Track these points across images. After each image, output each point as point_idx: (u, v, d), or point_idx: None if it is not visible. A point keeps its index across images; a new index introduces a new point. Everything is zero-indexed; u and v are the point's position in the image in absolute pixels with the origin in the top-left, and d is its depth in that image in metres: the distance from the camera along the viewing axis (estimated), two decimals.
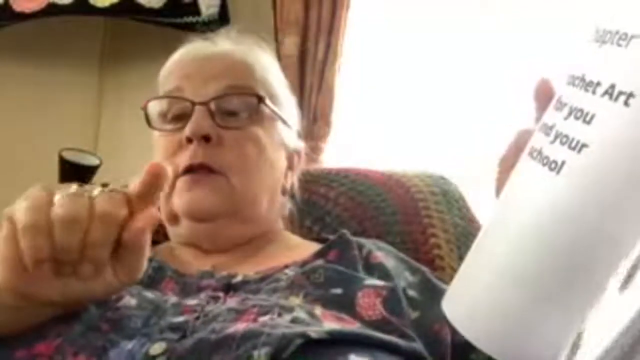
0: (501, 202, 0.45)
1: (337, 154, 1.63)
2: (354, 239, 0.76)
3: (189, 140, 0.75)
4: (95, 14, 1.79)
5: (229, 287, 0.67)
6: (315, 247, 0.77)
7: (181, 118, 0.78)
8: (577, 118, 0.39)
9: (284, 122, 0.83)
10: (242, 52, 0.83)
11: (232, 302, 0.61)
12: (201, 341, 0.53)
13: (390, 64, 1.69)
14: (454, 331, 0.43)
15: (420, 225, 0.90)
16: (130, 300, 0.60)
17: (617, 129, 0.37)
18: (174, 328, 0.56)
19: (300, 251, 0.75)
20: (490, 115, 1.55)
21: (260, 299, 0.61)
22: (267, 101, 0.80)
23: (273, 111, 0.81)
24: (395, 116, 1.69)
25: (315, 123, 1.60)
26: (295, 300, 0.62)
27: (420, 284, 0.72)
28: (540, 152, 0.41)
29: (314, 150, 1.54)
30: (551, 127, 0.41)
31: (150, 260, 0.73)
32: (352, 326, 0.58)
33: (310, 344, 0.52)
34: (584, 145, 0.38)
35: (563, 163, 0.38)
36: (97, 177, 1.50)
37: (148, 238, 0.56)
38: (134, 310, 0.59)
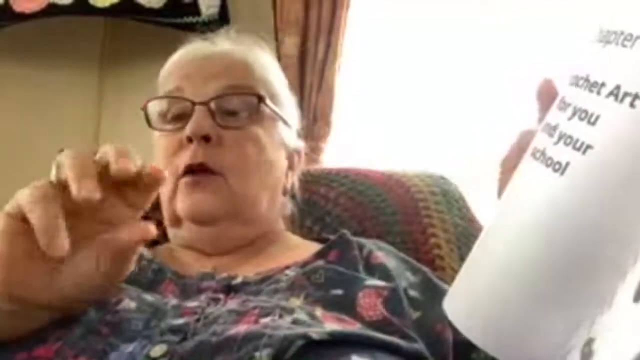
0: (503, 203, 0.45)
1: (337, 154, 1.63)
2: (355, 239, 0.76)
3: (189, 140, 0.75)
4: (95, 14, 1.78)
5: (229, 289, 0.67)
6: (315, 247, 0.77)
7: (181, 118, 0.78)
8: (581, 119, 0.38)
9: (284, 121, 0.83)
10: (241, 51, 0.83)
11: (233, 303, 0.61)
12: (202, 343, 0.53)
13: (390, 64, 1.69)
14: (455, 331, 0.43)
15: (421, 225, 0.90)
16: (129, 304, 0.60)
17: (623, 131, 0.36)
18: (174, 330, 0.56)
19: (301, 251, 0.75)
20: (491, 115, 1.55)
21: (261, 301, 0.61)
22: (267, 101, 0.80)
23: (273, 111, 0.81)
24: (395, 116, 1.69)
25: (315, 123, 1.60)
26: (296, 302, 0.62)
27: (421, 284, 0.72)
28: (543, 153, 0.40)
29: (314, 150, 1.54)
30: (555, 128, 0.40)
31: (150, 261, 0.73)
32: (353, 327, 0.58)
33: (311, 345, 0.52)
34: (588, 147, 0.37)
35: (567, 164, 0.38)
36: None
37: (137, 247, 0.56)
38: (133, 313, 0.59)
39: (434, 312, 0.66)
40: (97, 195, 0.49)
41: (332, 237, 0.79)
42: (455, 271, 0.47)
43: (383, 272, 0.69)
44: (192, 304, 0.62)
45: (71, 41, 2.01)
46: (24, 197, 0.51)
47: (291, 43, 1.62)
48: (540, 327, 0.39)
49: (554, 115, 0.42)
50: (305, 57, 1.65)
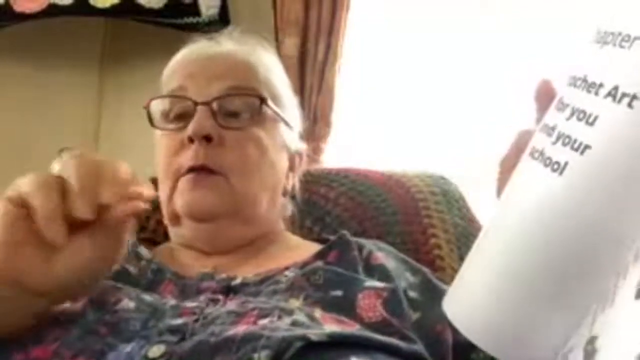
0: (502, 203, 0.45)
1: (337, 154, 1.63)
2: (354, 239, 0.76)
3: (191, 140, 0.75)
4: (96, 15, 1.78)
5: (229, 290, 0.67)
6: (315, 247, 0.77)
7: (183, 117, 0.78)
8: (579, 119, 0.39)
9: (286, 123, 0.83)
10: (245, 52, 0.83)
11: (232, 304, 0.61)
12: (200, 344, 0.53)
13: (390, 65, 1.69)
14: (455, 331, 0.43)
15: (421, 226, 0.90)
16: (128, 304, 0.60)
17: (621, 131, 0.36)
18: (172, 330, 0.56)
19: (301, 252, 0.75)
20: (491, 116, 1.55)
21: (260, 302, 0.61)
22: (270, 102, 0.80)
23: (275, 112, 0.81)
24: (395, 116, 1.69)
25: (315, 123, 1.60)
26: (295, 303, 0.62)
27: (421, 285, 0.72)
28: (542, 153, 0.41)
29: (314, 151, 1.54)
30: (553, 128, 0.41)
31: (150, 262, 0.73)
32: (352, 328, 0.58)
33: (310, 346, 0.52)
34: (587, 147, 0.38)
35: (566, 164, 0.38)
36: None
37: (128, 225, 0.57)
38: (132, 313, 0.59)
39: (434, 312, 0.66)
40: (61, 241, 0.51)
41: (332, 237, 0.79)
42: (456, 271, 0.47)
43: (383, 273, 0.70)
44: (190, 304, 0.62)
45: (71, 41, 2.01)
46: (25, 184, 0.52)
47: (291, 44, 1.62)
48: (540, 326, 0.39)
49: (553, 116, 0.42)
50: (305, 58, 1.65)
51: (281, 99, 0.83)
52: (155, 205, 0.89)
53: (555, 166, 0.39)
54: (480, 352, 0.43)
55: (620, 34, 0.38)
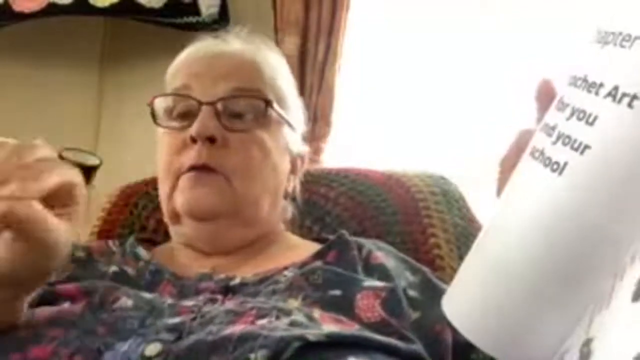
0: (502, 202, 0.45)
1: (337, 154, 1.63)
2: (353, 239, 0.76)
3: (194, 140, 0.74)
4: (95, 14, 1.78)
5: (227, 290, 0.67)
6: (314, 247, 0.77)
7: (187, 116, 0.77)
8: (579, 119, 0.39)
9: (290, 125, 0.83)
10: (251, 52, 0.82)
11: (230, 304, 0.61)
12: (197, 342, 0.52)
13: (390, 64, 1.69)
14: (454, 331, 0.43)
15: (420, 225, 0.90)
16: (126, 302, 0.60)
17: (620, 131, 0.36)
18: (170, 329, 0.56)
19: (300, 252, 0.75)
20: (491, 116, 1.55)
21: (259, 302, 0.61)
22: (275, 105, 0.79)
23: (280, 115, 0.81)
24: (395, 116, 1.68)
25: (315, 123, 1.60)
26: (294, 303, 0.62)
27: (420, 284, 0.71)
28: (542, 153, 0.41)
29: (314, 151, 1.54)
30: (553, 128, 0.41)
31: (148, 263, 0.73)
32: (351, 328, 0.58)
33: (308, 346, 0.52)
34: (586, 147, 0.38)
35: (565, 164, 0.38)
36: (97, 177, 1.49)
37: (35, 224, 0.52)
38: (130, 311, 0.59)
39: (433, 312, 0.66)
40: None
41: (331, 237, 0.79)
42: (455, 271, 0.47)
43: (382, 273, 0.69)
44: (189, 303, 0.62)
45: (71, 41, 2.01)
46: None
47: (291, 43, 1.62)
48: (539, 326, 0.39)
49: (553, 116, 0.42)
50: (305, 58, 1.64)
51: (286, 101, 0.83)
52: (155, 205, 0.89)
53: (555, 166, 0.39)
54: (480, 352, 0.43)
55: (620, 33, 0.38)
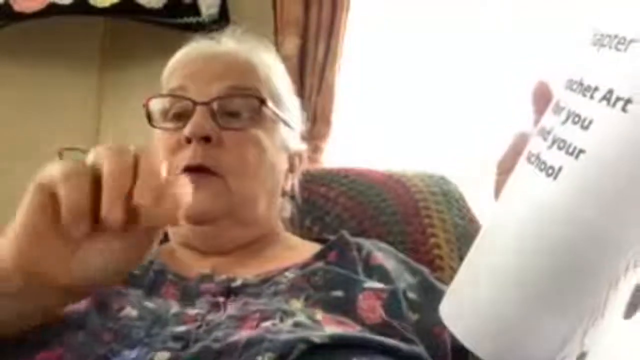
0: (499, 206, 0.45)
1: (337, 154, 1.63)
2: (353, 239, 0.76)
3: (188, 140, 0.74)
4: (95, 14, 1.78)
5: (229, 291, 0.67)
6: (314, 247, 0.77)
7: (182, 117, 0.77)
8: (574, 123, 0.39)
9: (286, 123, 0.83)
10: (246, 51, 0.83)
11: (233, 308, 0.61)
12: (204, 350, 0.53)
13: (390, 64, 1.69)
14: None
15: (420, 225, 0.90)
16: (131, 312, 0.60)
17: (615, 135, 0.36)
18: (176, 337, 0.56)
19: (300, 252, 0.75)
20: (491, 116, 1.55)
21: (261, 304, 0.61)
22: (270, 103, 0.79)
23: (275, 113, 0.81)
24: (395, 116, 1.68)
25: (315, 123, 1.60)
26: (296, 304, 0.62)
27: (420, 286, 0.71)
28: (537, 157, 0.41)
29: (314, 150, 1.54)
30: (549, 132, 0.41)
31: (152, 262, 0.73)
32: (354, 330, 0.59)
33: (312, 348, 0.52)
34: (581, 151, 0.37)
35: (560, 168, 0.38)
36: None
37: (160, 230, 0.55)
38: (135, 321, 0.59)
39: (432, 314, 0.66)
40: (118, 225, 0.49)
41: (331, 237, 0.79)
42: (455, 271, 0.47)
43: (382, 274, 0.70)
44: (192, 311, 0.62)
45: (71, 41, 2.01)
46: (56, 170, 0.50)
47: (291, 43, 1.62)
48: (536, 332, 0.39)
49: (549, 119, 0.42)
50: (305, 58, 1.64)
51: (281, 99, 0.83)
52: None
53: (550, 171, 0.39)
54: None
55: (616, 36, 0.38)
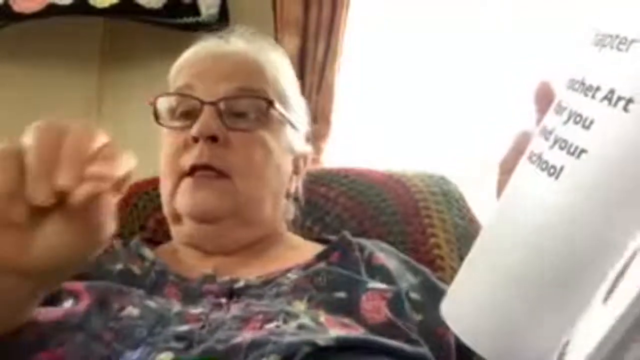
0: (501, 206, 0.45)
1: (337, 154, 1.63)
2: (355, 240, 0.76)
3: (195, 139, 0.74)
4: (95, 15, 1.78)
5: (232, 293, 0.67)
6: (316, 248, 0.77)
7: (189, 116, 0.77)
8: (576, 123, 0.38)
9: (293, 125, 0.83)
10: (255, 52, 0.82)
11: (236, 309, 0.61)
12: (208, 351, 0.53)
13: (390, 64, 1.69)
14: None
15: (421, 226, 0.90)
16: (132, 311, 0.60)
17: (616, 135, 0.36)
18: (179, 337, 0.56)
19: (302, 253, 0.75)
20: (491, 116, 1.55)
21: (265, 305, 0.61)
22: (277, 105, 0.79)
23: (282, 115, 0.81)
24: (395, 116, 1.68)
25: (315, 123, 1.60)
26: (300, 306, 0.62)
27: (422, 286, 0.71)
28: (539, 157, 0.41)
29: (314, 150, 1.53)
30: (550, 132, 0.40)
31: (153, 263, 0.73)
32: (358, 332, 0.58)
33: (317, 351, 0.52)
34: (582, 151, 0.37)
35: (562, 168, 0.38)
36: None
37: (103, 207, 0.50)
38: (137, 320, 0.59)
39: (435, 314, 0.65)
40: (45, 204, 0.47)
41: (332, 237, 0.79)
42: (455, 271, 0.47)
43: (384, 274, 0.69)
44: (195, 310, 0.62)
45: (71, 41, 2.01)
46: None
47: (291, 43, 1.62)
48: (536, 330, 0.39)
49: (551, 119, 0.42)
50: (305, 57, 1.64)
51: (288, 101, 0.83)
52: (155, 205, 0.89)
53: (552, 170, 0.39)
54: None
55: (617, 36, 0.38)
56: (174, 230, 0.81)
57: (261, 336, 0.53)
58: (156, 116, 0.80)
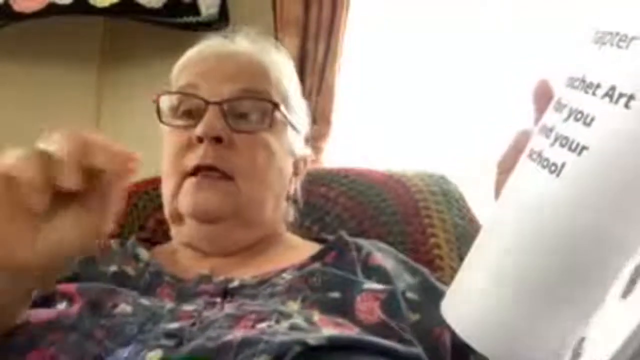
0: (500, 204, 0.45)
1: (337, 154, 1.63)
2: (352, 240, 0.75)
3: (200, 139, 0.74)
4: (95, 14, 1.78)
5: (226, 292, 0.66)
6: (313, 248, 0.77)
7: (192, 115, 0.77)
8: (577, 120, 0.38)
9: (294, 127, 0.83)
10: (259, 53, 0.82)
11: (229, 308, 0.61)
12: (198, 348, 0.52)
13: (390, 64, 1.69)
14: (453, 333, 0.43)
15: (420, 226, 0.90)
16: (125, 308, 0.60)
17: (618, 132, 0.36)
18: (169, 335, 0.56)
19: (298, 253, 0.75)
20: (491, 115, 1.55)
21: (258, 305, 0.61)
22: (281, 107, 0.79)
23: (285, 117, 0.80)
24: (395, 116, 1.69)
25: (315, 123, 1.60)
26: (293, 306, 0.62)
27: (420, 286, 0.71)
28: (540, 154, 0.40)
29: (314, 151, 1.53)
30: (551, 129, 0.40)
31: (147, 264, 0.73)
32: (351, 332, 0.58)
33: (308, 351, 0.52)
34: (584, 148, 0.37)
35: (563, 165, 0.38)
36: None
37: (115, 198, 0.53)
38: (129, 317, 0.59)
39: (432, 315, 0.66)
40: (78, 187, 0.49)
41: (330, 237, 0.78)
42: (455, 271, 0.47)
43: (381, 275, 0.69)
44: (188, 307, 0.62)
45: (71, 41, 2.01)
46: (7, 158, 0.50)
47: (291, 43, 1.62)
48: (538, 329, 0.39)
49: (550, 117, 0.42)
50: (305, 58, 1.64)
51: (290, 103, 0.83)
52: (155, 205, 0.89)
53: (553, 167, 0.39)
54: (479, 355, 0.43)
55: (618, 33, 0.38)
56: (174, 230, 0.81)
57: (252, 335, 0.53)
58: (159, 114, 0.79)
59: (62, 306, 0.62)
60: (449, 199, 0.94)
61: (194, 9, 1.74)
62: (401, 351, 0.58)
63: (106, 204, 0.53)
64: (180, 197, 0.76)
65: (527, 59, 1.47)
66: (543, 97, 0.46)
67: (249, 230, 0.78)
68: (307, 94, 1.60)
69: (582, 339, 0.30)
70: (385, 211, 0.93)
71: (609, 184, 0.36)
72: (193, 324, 0.57)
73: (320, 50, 1.63)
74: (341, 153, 1.64)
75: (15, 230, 0.49)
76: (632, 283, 0.28)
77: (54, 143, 0.50)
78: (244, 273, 0.71)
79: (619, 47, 0.37)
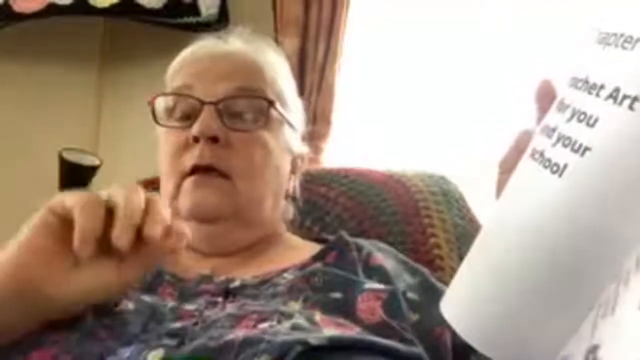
0: (501, 204, 0.45)
1: (337, 154, 1.63)
2: (353, 240, 0.75)
3: (196, 139, 0.74)
4: (95, 14, 1.78)
5: (227, 292, 0.66)
6: (314, 248, 0.77)
7: (188, 116, 0.77)
8: (580, 120, 0.38)
9: (291, 125, 0.83)
10: (253, 52, 0.82)
11: (231, 307, 0.61)
12: (200, 348, 0.52)
13: (390, 64, 1.69)
14: (454, 333, 0.43)
15: (420, 226, 0.90)
16: (127, 305, 0.60)
17: (621, 133, 0.36)
18: (172, 334, 0.56)
19: (299, 253, 0.75)
20: (491, 116, 1.55)
21: (260, 305, 0.61)
22: (277, 105, 0.79)
23: (281, 115, 0.81)
24: (395, 116, 1.69)
25: (315, 123, 1.60)
26: (295, 306, 0.62)
27: (420, 286, 0.71)
28: (542, 154, 0.40)
29: (314, 150, 1.53)
30: (553, 129, 0.40)
31: None
32: (352, 332, 0.58)
33: (310, 350, 0.52)
34: (587, 149, 0.37)
35: (565, 166, 0.38)
36: (97, 177, 1.49)
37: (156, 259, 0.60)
38: (131, 314, 0.59)
39: (433, 314, 0.66)
40: (125, 249, 0.54)
41: (330, 237, 0.78)
42: (455, 271, 0.47)
43: (382, 275, 0.69)
44: (190, 307, 0.62)
45: (71, 41, 2.01)
46: (71, 198, 0.54)
47: (291, 43, 1.62)
48: (539, 329, 0.39)
49: (553, 117, 0.41)
50: (305, 58, 1.64)
51: (286, 101, 0.83)
52: None
53: (555, 168, 0.39)
54: (480, 355, 0.43)
55: (622, 35, 0.38)
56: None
57: (254, 335, 0.53)
58: (154, 116, 0.80)
59: None
60: (449, 199, 0.94)
61: (194, 10, 1.74)
62: (402, 351, 0.58)
63: (143, 266, 0.59)
64: (179, 197, 0.76)
65: (527, 59, 1.47)
66: (546, 97, 0.46)
67: (249, 230, 0.78)
68: (307, 93, 1.60)
69: (596, 347, 0.30)
70: (385, 211, 0.93)
71: (612, 184, 0.36)
72: (195, 324, 0.57)
73: (320, 50, 1.63)
74: (341, 153, 1.64)
75: (53, 267, 0.54)
76: None
77: (117, 196, 0.55)
78: (244, 273, 0.71)
79: (624, 48, 0.37)
